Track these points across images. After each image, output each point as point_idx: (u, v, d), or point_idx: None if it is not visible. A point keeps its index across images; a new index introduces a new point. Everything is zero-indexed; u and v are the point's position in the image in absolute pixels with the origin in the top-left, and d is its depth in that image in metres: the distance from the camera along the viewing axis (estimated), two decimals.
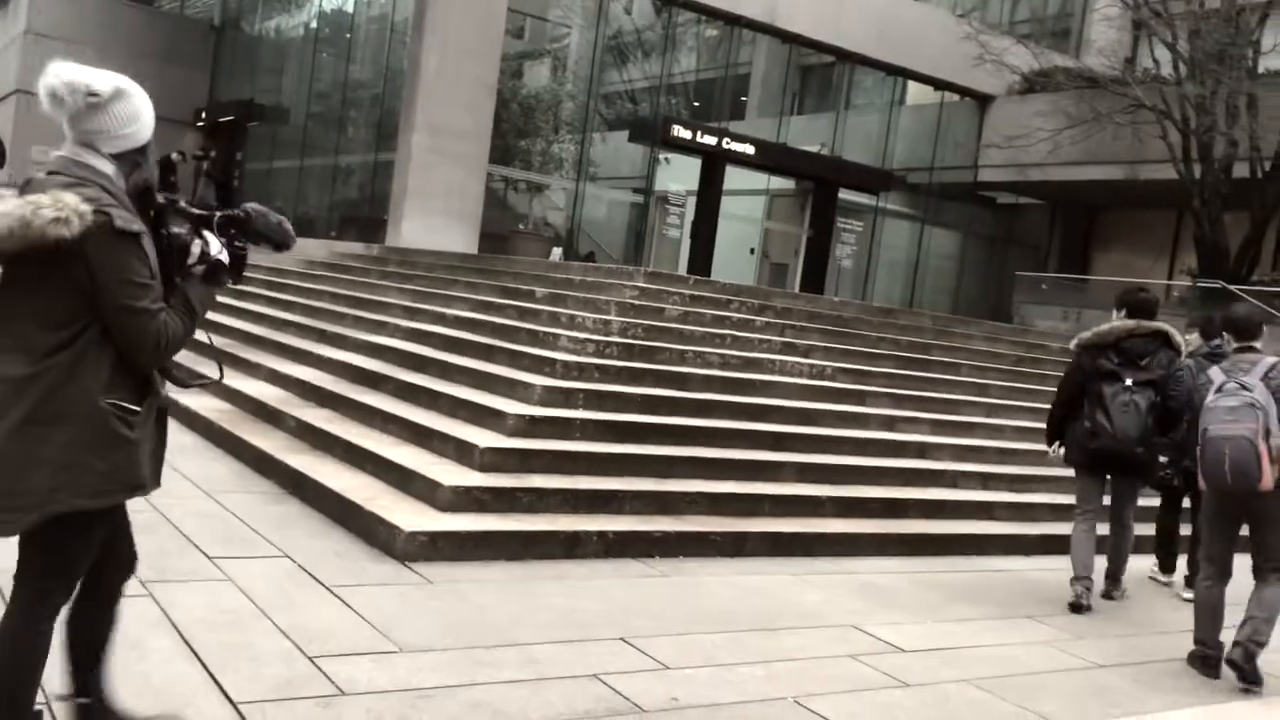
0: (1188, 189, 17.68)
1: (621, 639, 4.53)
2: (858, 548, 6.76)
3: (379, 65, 20.30)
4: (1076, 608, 6.07)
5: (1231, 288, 16.53)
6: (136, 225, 2.54)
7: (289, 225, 2.95)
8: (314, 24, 22.88)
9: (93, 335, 2.51)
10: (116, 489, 2.63)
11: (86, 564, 2.71)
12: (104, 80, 2.56)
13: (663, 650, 4.44)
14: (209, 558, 4.86)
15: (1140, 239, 23.02)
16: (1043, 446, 7.64)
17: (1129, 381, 5.86)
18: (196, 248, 2.75)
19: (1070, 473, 6.49)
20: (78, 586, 2.75)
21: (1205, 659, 5.17)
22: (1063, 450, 6.36)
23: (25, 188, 2.50)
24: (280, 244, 2.89)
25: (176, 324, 2.62)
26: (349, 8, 22.26)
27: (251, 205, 2.83)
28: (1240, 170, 17.31)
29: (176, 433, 7.60)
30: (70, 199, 2.40)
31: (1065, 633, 5.63)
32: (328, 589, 4.65)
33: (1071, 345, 6.43)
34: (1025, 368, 11.30)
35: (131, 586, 4.27)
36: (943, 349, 11.04)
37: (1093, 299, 20.59)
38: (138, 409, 2.61)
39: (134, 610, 4.03)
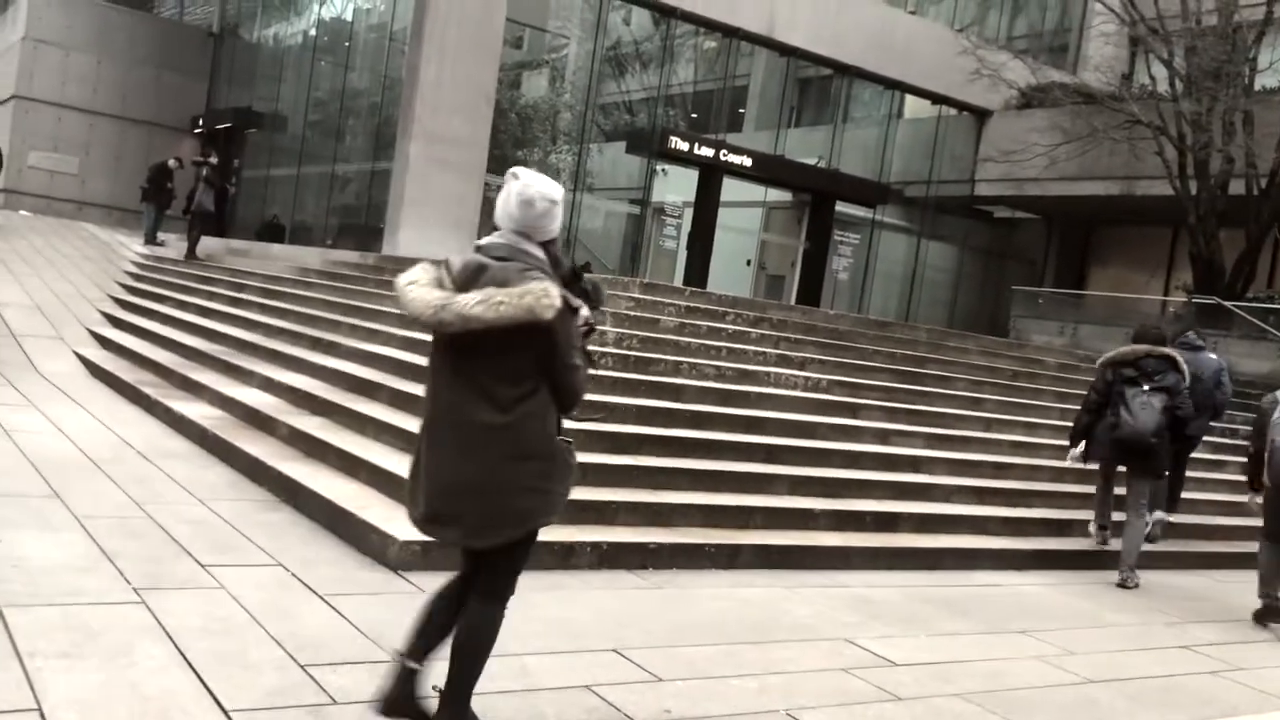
0: (1184, 205, 17.74)
1: (614, 650, 4.53)
2: (850, 561, 6.76)
3: (377, 74, 20.33)
4: (1103, 542, 7.98)
5: (1227, 304, 16.59)
6: (576, 302, 3.20)
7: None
8: (312, 32, 22.91)
9: (544, 389, 3.17)
10: (558, 507, 3.35)
11: (522, 566, 3.43)
12: (557, 190, 3.29)
13: (655, 662, 4.44)
14: (201, 565, 4.85)
15: (1136, 254, 23.08)
16: (1038, 461, 8.29)
17: (1146, 387, 7.38)
18: (584, 310, 3.28)
19: (1065, 487, 8.11)
20: (457, 581, 3.44)
21: (1270, 609, 6.77)
22: (1083, 451, 7.78)
23: (477, 274, 3.13)
24: (599, 305, 3.44)
25: (585, 378, 3.31)
26: (348, 16, 22.30)
27: (591, 277, 3.38)
28: (1236, 187, 17.38)
29: (169, 439, 7.66)
30: (553, 288, 3.06)
31: (1057, 648, 5.64)
32: (320, 597, 4.64)
33: (1098, 363, 7.96)
34: (1021, 382, 11.32)
35: (123, 593, 4.30)
36: (938, 363, 11.06)
37: (1089, 314, 20.66)
38: (572, 442, 3.34)
39: (126, 617, 4.05)
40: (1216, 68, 16.65)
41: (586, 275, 3.36)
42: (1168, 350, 7.60)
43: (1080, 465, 7.94)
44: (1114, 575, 7.57)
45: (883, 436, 8.71)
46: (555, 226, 3.27)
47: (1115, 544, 7.84)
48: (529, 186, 3.22)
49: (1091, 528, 8.14)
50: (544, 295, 3.01)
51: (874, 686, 4.58)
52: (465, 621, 3.32)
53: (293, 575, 4.90)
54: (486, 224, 17.39)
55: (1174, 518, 8.99)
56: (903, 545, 7.15)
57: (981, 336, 14.57)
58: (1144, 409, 7.31)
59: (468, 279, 3.13)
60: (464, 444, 3.16)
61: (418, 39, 16.27)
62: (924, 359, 10.99)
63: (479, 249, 3.23)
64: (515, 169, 3.30)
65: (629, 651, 4.53)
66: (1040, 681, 5.01)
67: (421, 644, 3.37)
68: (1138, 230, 22.82)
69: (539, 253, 3.21)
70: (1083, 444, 7.78)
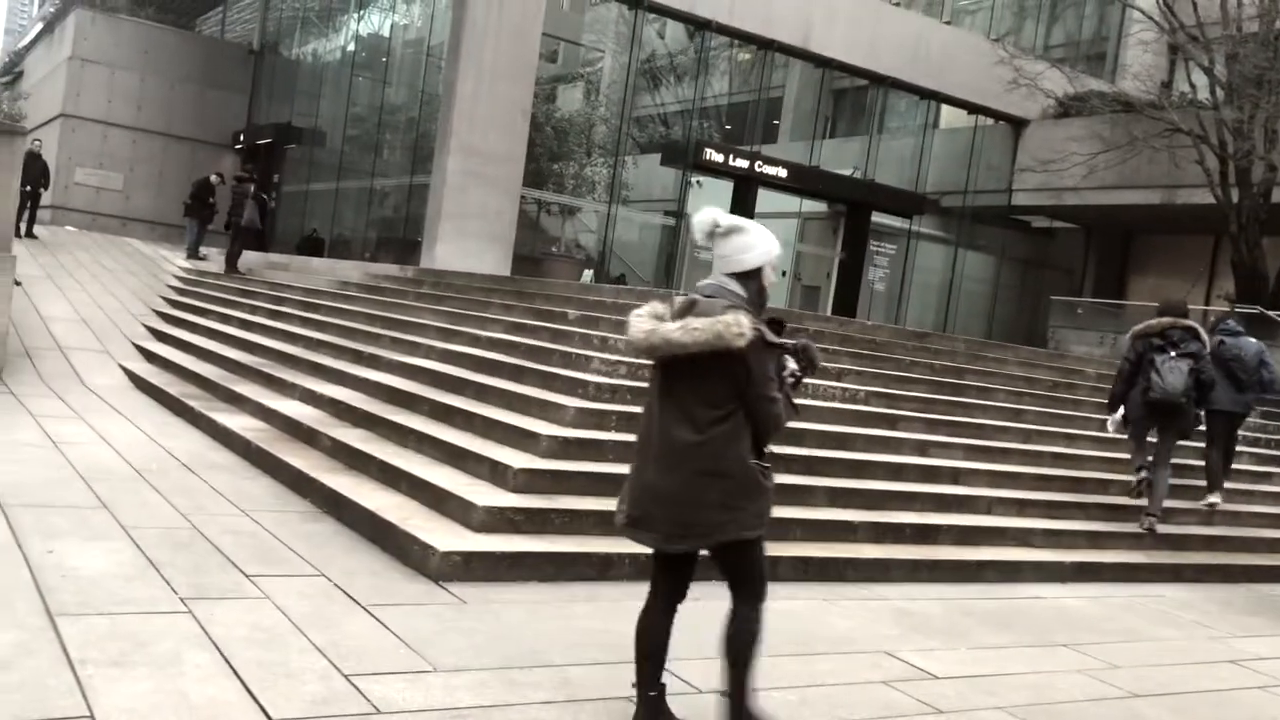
0: (1225, 214, 17.52)
1: None
2: (890, 573, 6.72)
3: (415, 89, 20.54)
4: (1141, 482, 8.57)
5: (1270, 313, 16.35)
6: (774, 339, 3.52)
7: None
8: (351, 48, 23.19)
9: (739, 415, 3.47)
10: (760, 525, 3.63)
11: (765, 570, 3.80)
12: (745, 220, 3.65)
13: (695, 673, 4.43)
14: (246, 575, 4.91)
15: (1177, 264, 22.80)
16: (1080, 473, 8.41)
17: (1173, 354, 8.23)
18: (790, 363, 3.66)
19: (1108, 499, 8.46)
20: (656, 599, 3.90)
21: None
22: (1121, 417, 8.62)
23: (689, 309, 3.51)
24: (813, 367, 3.76)
25: (783, 412, 3.57)
26: (385, 32, 22.55)
27: (804, 340, 3.70)
28: (1279, 195, 17.13)
29: (213, 451, 7.76)
30: (744, 319, 3.36)
31: (1100, 661, 5.57)
32: (363, 608, 4.69)
33: (1128, 336, 8.80)
34: (1061, 393, 11.22)
35: (170, 603, 4.36)
36: (977, 374, 10.98)
37: (1129, 324, 20.33)
38: (769, 466, 3.61)
39: (173, 626, 4.11)
40: (1259, 75, 16.44)
41: (797, 341, 3.68)
42: (1190, 322, 8.43)
43: (1120, 435, 8.82)
44: (1159, 589, 7.50)
45: (922, 448, 8.66)
46: (750, 257, 3.57)
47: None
48: (721, 218, 3.62)
49: (1133, 478, 8.77)
50: (734, 325, 3.34)
51: (915, 700, 4.55)
52: (734, 628, 3.71)
53: (335, 586, 4.94)
54: (522, 237, 17.53)
55: (1216, 530, 9.04)
56: (943, 557, 7.10)
57: (1020, 347, 14.46)
58: (1172, 372, 8.14)
59: (681, 311, 3.55)
60: (666, 458, 3.55)
61: (455, 55, 16.43)
62: (963, 370, 10.92)
63: (696, 289, 3.65)
64: (721, 217, 3.66)
65: (669, 662, 4.51)
66: (1084, 695, 4.95)
67: (653, 669, 3.79)
68: (1178, 239, 22.56)
69: (742, 291, 3.55)
70: (1120, 410, 8.63)
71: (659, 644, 3.81)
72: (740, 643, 3.71)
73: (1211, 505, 9.09)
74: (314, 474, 6.72)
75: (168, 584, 4.63)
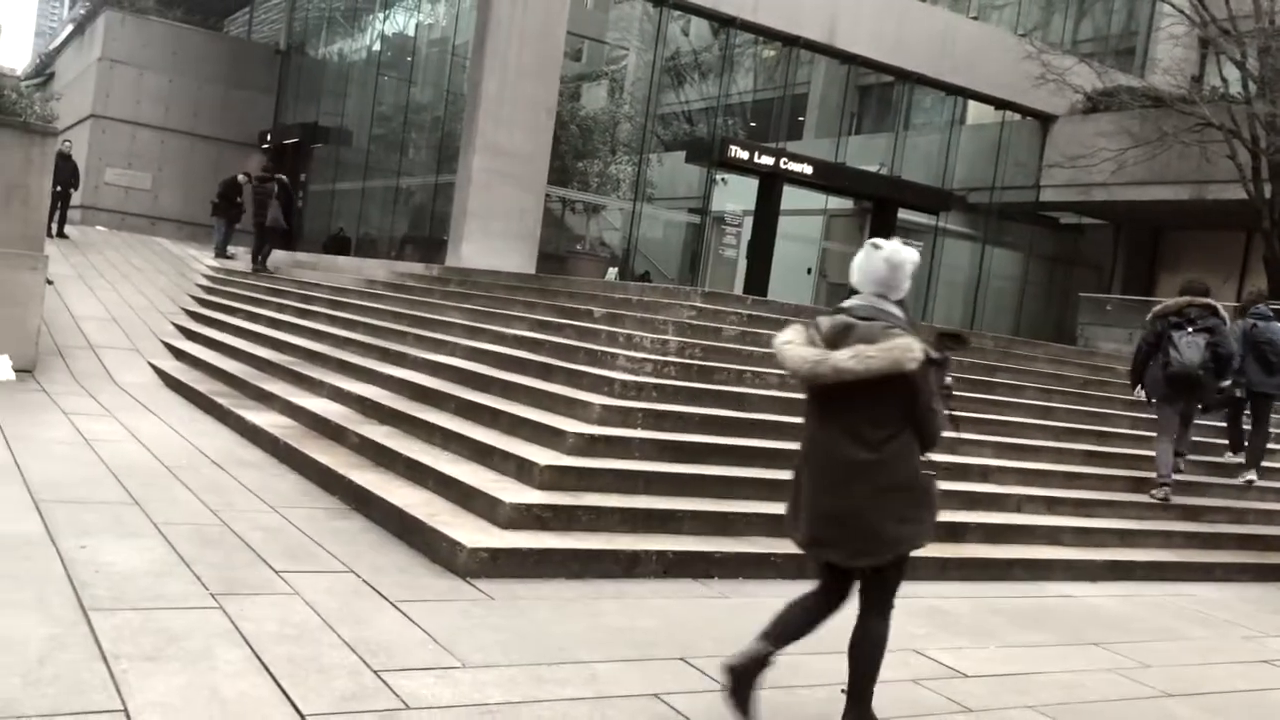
0: (1257, 209, 17.30)
1: (682, 659, 4.53)
2: (918, 571, 6.61)
3: (440, 88, 20.60)
4: (1164, 499, 8.66)
5: None
6: (936, 355, 3.64)
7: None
8: (376, 47, 23.28)
9: (908, 430, 3.63)
10: (931, 534, 3.81)
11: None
12: (915, 253, 3.79)
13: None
14: (276, 571, 4.94)
15: (1208, 260, 22.54)
16: (1111, 470, 8.48)
17: (1190, 330, 8.70)
18: (948, 377, 3.80)
19: (1135, 497, 8.59)
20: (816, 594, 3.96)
21: None
22: (1143, 391, 9.18)
23: (845, 333, 3.62)
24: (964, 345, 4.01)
25: (944, 422, 3.75)
26: (411, 32, 22.63)
27: (946, 353, 3.76)
28: None
29: (242, 448, 7.82)
30: (915, 344, 3.51)
31: (1132, 660, 5.52)
32: (391, 604, 4.71)
33: (1148, 316, 9.29)
34: (1092, 390, 11.12)
35: (201, 598, 4.40)
36: (1006, 371, 10.90)
37: None
38: (935, 474, 3.78)
39: (205, 622, 4.14)
40: None
41: (944, 354, 3.76)
42: (1208, 300, 8.87)
43: (1142, 399, 9.39)
44: (1191, 588, 7.46)
45: (950, 445, 8.57)
46: (908, 283, 3.76)
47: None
48: (897, 252, 3.73)
49: (1160, 491, 8.84)
50: (908, 350, 3.49)
51: (944, 698, 4.53)
52: (863, 635, 3.84)
53: (364, 582, 4.97)
54: (547, 236, 17.55)
55: (1249, 529, 9.03)
56: (972, 556, 7.06)
57: (1049, 344, 14.33)
58: (1189, 347, 8.61)
59: (836, 336, 3.64)
60: (835, 478, 3.69)
61: (480, 54, 16.46)
62: (992, 367, 10.84)
63: (842, 310, 3.73)
64: (874, 240, 3.81)
65: (697, 660, 4.53)
66: (1116, 695, 4.91)
67: (777, 631, 3.87)
68: (1209, 235, 22.30)
69: (898, 311, 3.69)
70: (1139, 388, 9.27)
71: (795, 624, 3.91)
72: (875, 651, 3.87)
73: (1249, 481, 9.53)
74: (342, 471, 6.75)
75: (198, 580, 4.67)
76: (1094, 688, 4.96)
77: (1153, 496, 8.66)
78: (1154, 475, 8.79)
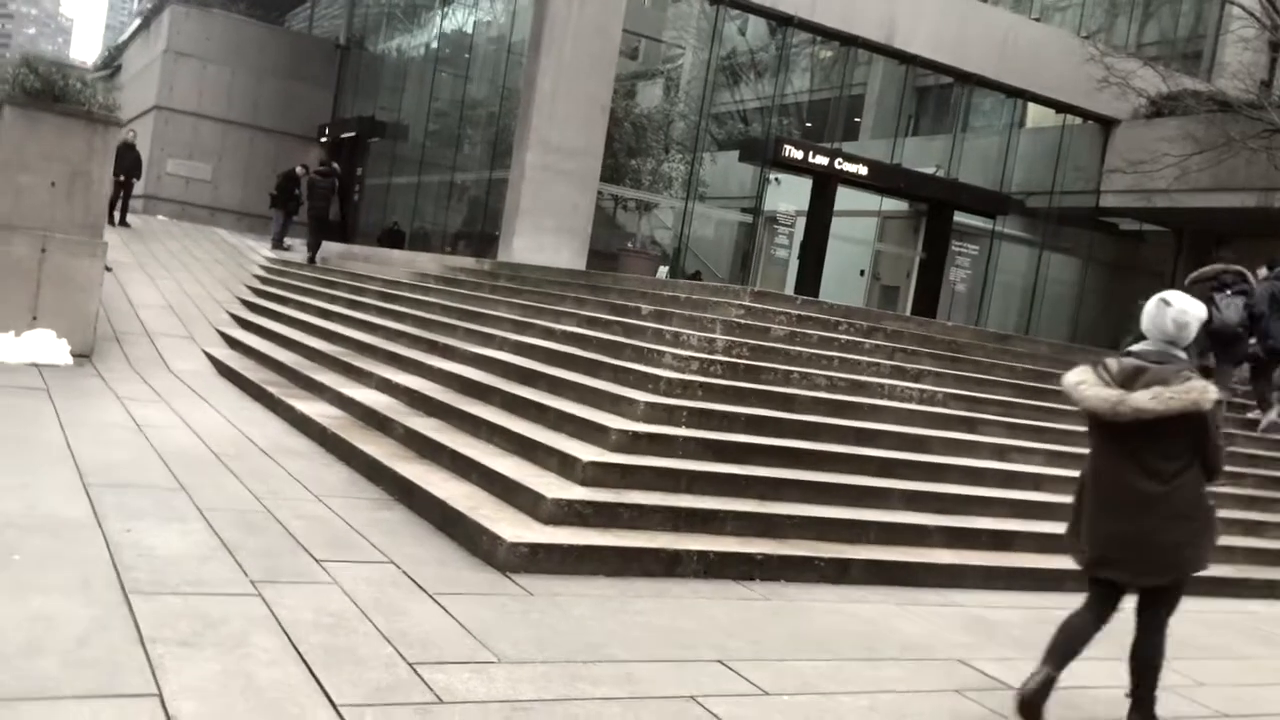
0: None
1: (720, 661, 4.46)
2: (965, 579, 6.57)
3: (496, 85, 20.66)
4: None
5: None
6: (1221, 396, 4.02)
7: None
8: (434, 44, 23.42)
9: (1195, 464, 4.04)
10: (1209, 559, 4.23)
11: None
12: (1202, 309, 4.15)
13: (762, 675, 4.36)
14: (316, 560, 4.95)
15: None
16: None
17: (1228, 292, 10.07)
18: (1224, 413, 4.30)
19: None
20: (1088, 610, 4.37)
21: None
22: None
23: (1136, 375, 4.01)
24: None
25: (1225, 456, 4.21)
26: (468, 28, 22.74)
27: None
28: None
29: (290, 437, 7.87)
30: (1211, 386, 3.92)
31: (1187, 679, 5.36)
32: (430, 596, 4.69)
33: (1185, 282, 10.27)
34: None
35: (241, 585, 4.41)
36: (1060, 378, 10.67)
37: None
38: (1214, 503, 4.19)
39: (243, 609, 4.14)
40: None
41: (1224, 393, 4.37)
42: (1239, 267, 10.26)
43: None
44: (1251, 604, 7.27)
45: (1001, 452, 8.45)
46: (1192, 333, 4.11)
47: None
48: (1184, 312, 4.07)
49: None
50: (1205, 391, 3.89)
51: (988, 709, 4.42)
52: (1143, 646, 4.30)
53: (403, 573, 4.96)
54: (597, 232, 17.54)
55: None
56: (1021, 565, 6.92)
57: (1106, 352, 14.04)
58: (1229, 308, 9.97)
59: (1128, 378, 4.03)
60: (1124, 507, 4.10)
61: (535, 51, 16.48)
62: (1046, 374, 10.61)
63: (1131, 354, 4.14)
64: (1165, 294, 4.14)
65: (735, 663, 4.47)
66: (1169, 713, 4.75)
67: (1059, 653, 4.25)
68: (1275, 244, 21.70)
69: (1184, 356, 4.09)
70: None
71: (1078, 640, 4.32)
72: (1154, 660, 4.31)
73: (1273, 423, 10.65)
74: (387, 462, 6.77)
75: (239, 566, 4.69)
76: None
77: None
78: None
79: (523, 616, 4.63)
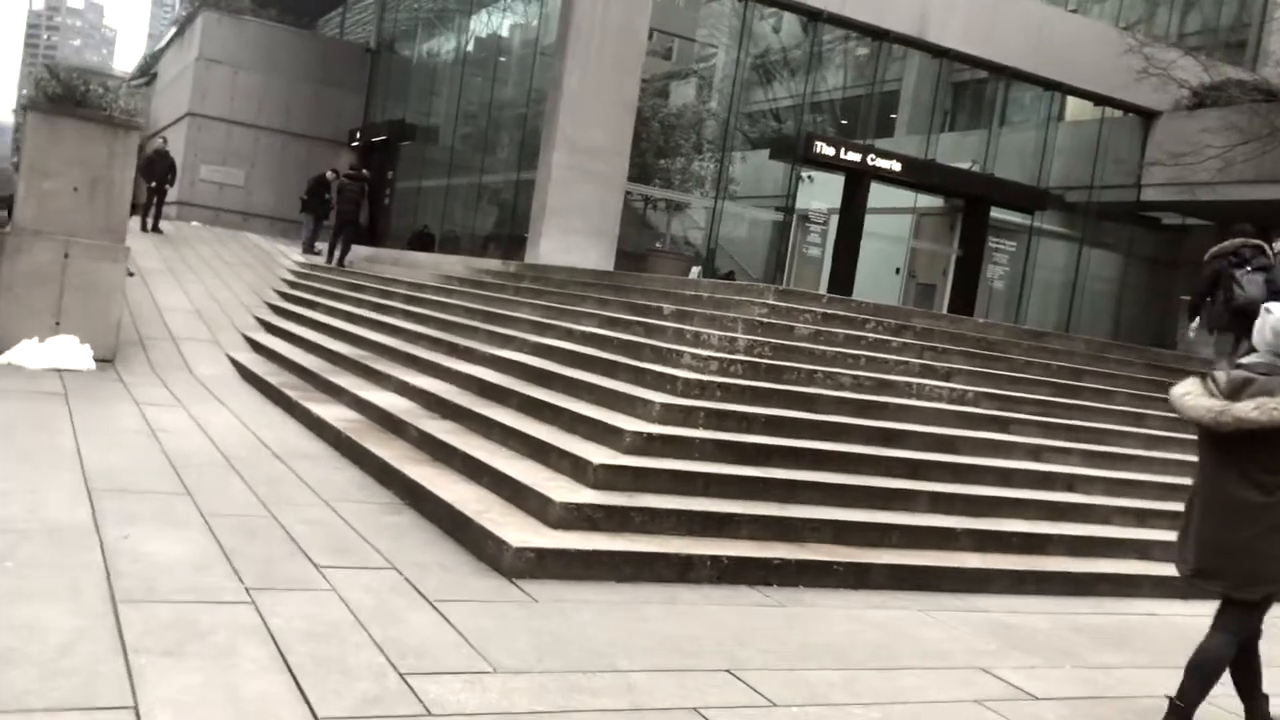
0: None
1: (728, 671, 4.29)
2: (992, 584, 6.34)
3: (524, 87, 20.59)
4: None
5: None
6: None
7: None
8: (464, 47, 23.41)
9: None
10: None
11: None
12: None
13: (771, 685, 4.18)
14: (316, 566, 4.84)
15: None
16: None
17: (1249, 268, 9.80)
18: None
19: None
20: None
21: None
22: (1198, 325, 10.44)
23: (1244, 386, 4.01)
24: None
25: None
26: (498, 31, 22.71)
27: None
28: None
29: (305, 440, 7.79)
30: None
31: (1221, 687, 5.10)
32: (430, 603, 4.56)
33: (1206, 257, 10.42)
34: None
35: (234, 592, 4.30)
36: (1097, 375, 10.38)
37: None
38: None
39: (234, 617, 4.03)
40: None
41: None
42: (1257, 240, 9.93)
43: (1199, 345, 10.80)
44: None
45: (1035, 453, 8.20)
46: None
47: None
48: None
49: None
50: None
51: None
52: (1206, 650, 4.24)
53: (405, 579, 4.83)
54: (627, 233, 17.40)
55: None
56: (1052, 569, 6.68)
57: (1145, 349, 13.68)
58: (1251, 284, 9.72)
59: (1235, 389, 4.04)
60: (1226, 516, 4.09)
61: (562, 51, 16.38)
62: (1082, 372, 10.34)
63: (1240, 366, 4.16)
64: (1268, 304, 4.25)
65: (744, 673, 4.29)
66: None
67: (1245, 689, 4.38)
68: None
69: None
70: (1197, 320, 10.47)
71: (1253, 667, 4.37)
72: (1215, 666, 4.22)
73: None
74: (397, 465, 6.67)
75: (236, 573, 4.58)
76: None
77: None
78: None
79: (524, 624, 4.49)
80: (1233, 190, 19.20)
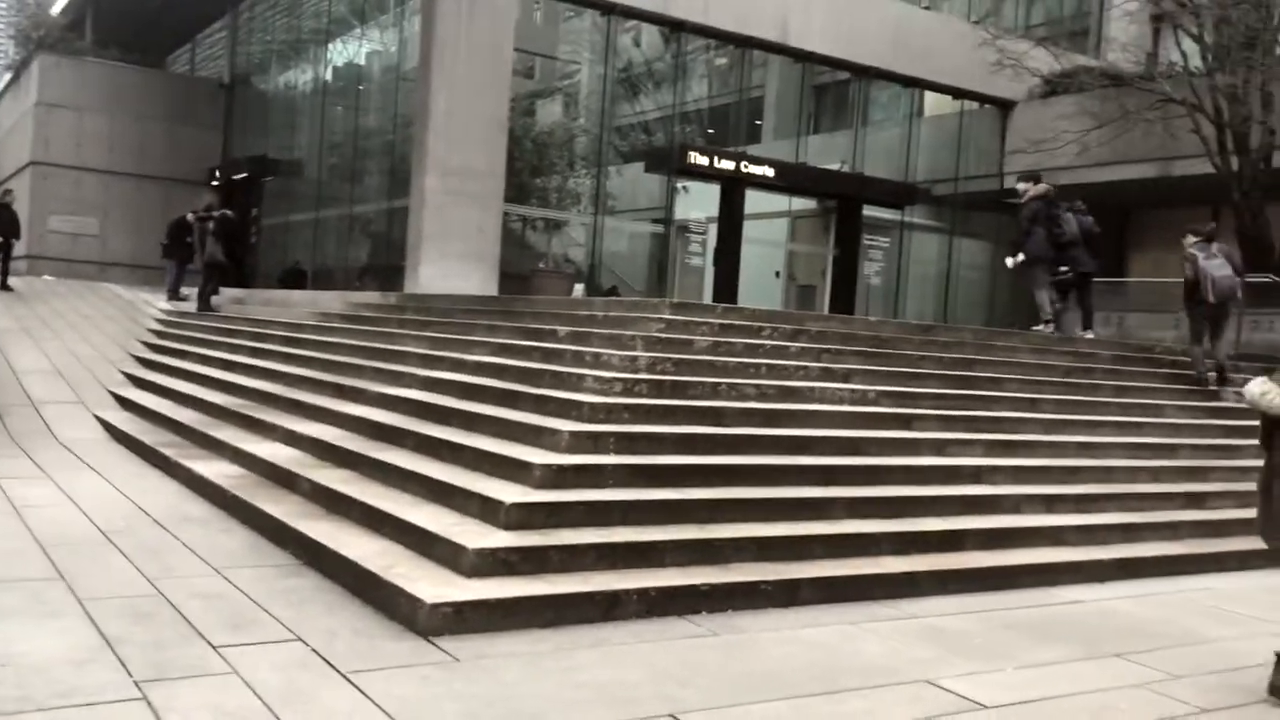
0: (1226, 183, 17.05)
1: (670, 715, 4.05)
2: (918, 587, 6.25)
3: (389, 112, 20.09)
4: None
5: None
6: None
7: None
8: (324, 77, 22.75)
9: None
10: None
11: None
12: None
13: None
14: (213, 647, 4.42)
15: (1176, 237, 22.18)
16: (1108, 461, 8.65)
17: (1063, 209, 12.60)
18: None
19: (1136, 488, 8.50)
20: None
21: None
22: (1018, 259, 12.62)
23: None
24: None
25: None
26: (358, 59, 22.15)
27: None
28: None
29: (189, 503, 7.27)
30: None
31: (1160, 672, 5.09)
32: (343, 676, 4.20)
33: (1023, 198, 12.71)
34: (1078, 378, 10.73)
35: (122, 688, 3.87)
36: (988, 364, 10.48)
37: (1133, 301, 19.94)
38: None
39: (125, 717, 3.62)
40: (1250, 36, 15.99)
41: None
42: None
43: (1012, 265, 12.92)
44: (1206, 580, 7.21)
45: (939, 447, 8.18)
46: None
47: None
48: None
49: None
50: None
51: None
52: None
53: (313, 651, 4.45)
54: (510, 255, 17.06)
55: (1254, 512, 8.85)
56: (972, 565, 6.63)
57: (1029, 333, 13.98)
58: (1069, 223, 12.55)
59: None
60: None
61: (426, 70, 15.99)
62: (973, 361, 10.42)
63: None
64: None
65: (686, 715, 4.06)
66: (1153, 715, 4.47)
67: None
68: (1176, 213, 22.04)
69: None
70: (1020, 254, 12.54)
71: None
72: None
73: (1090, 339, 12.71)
74: (292, 522, 6.24)
75: (123, 665, 4.14)
76: (1127, 710, 4.52)
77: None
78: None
79: (449, 688, 4.16)
80: (1091, 173, 19.90)
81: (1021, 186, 13.25)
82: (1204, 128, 16.78)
